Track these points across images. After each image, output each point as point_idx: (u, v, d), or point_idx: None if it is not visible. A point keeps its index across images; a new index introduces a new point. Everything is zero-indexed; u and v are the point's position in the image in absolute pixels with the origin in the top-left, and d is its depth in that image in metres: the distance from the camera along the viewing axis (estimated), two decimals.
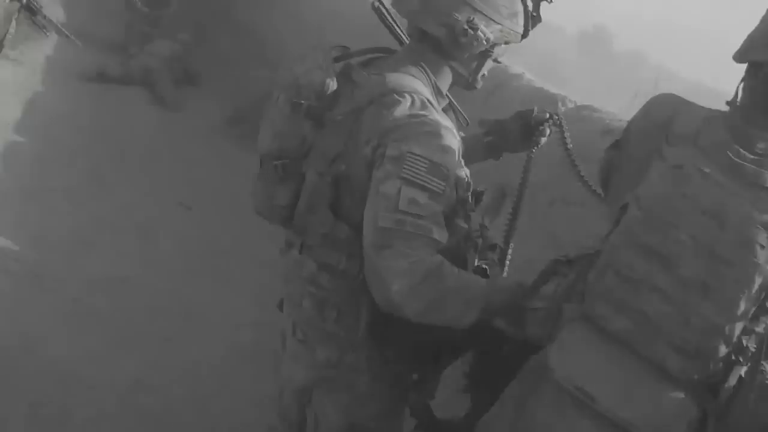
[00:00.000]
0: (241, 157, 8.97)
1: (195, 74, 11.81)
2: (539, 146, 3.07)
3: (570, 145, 3.23)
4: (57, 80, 9.49)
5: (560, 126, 3.14)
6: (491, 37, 2.51)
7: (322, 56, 2.62)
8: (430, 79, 2.59)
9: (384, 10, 2.83)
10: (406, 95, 2.42)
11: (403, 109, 2.39)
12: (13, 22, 6.76)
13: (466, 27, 2.44)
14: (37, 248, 6.02)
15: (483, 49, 2.54)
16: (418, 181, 2.27)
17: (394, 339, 2.61)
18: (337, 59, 2.66)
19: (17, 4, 6.73)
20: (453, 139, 2.41)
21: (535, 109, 3.06)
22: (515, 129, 3.08)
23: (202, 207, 7.70)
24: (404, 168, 2.28)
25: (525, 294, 2.45)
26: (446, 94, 2.69)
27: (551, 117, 3.03)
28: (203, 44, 12.12)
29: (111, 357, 5.07)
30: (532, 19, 2.67)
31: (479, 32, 2.46)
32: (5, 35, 6.75)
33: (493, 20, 2.50)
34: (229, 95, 10.75)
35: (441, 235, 2.28)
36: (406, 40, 2.81)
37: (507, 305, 2.43)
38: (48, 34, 7.20)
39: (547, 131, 3.05)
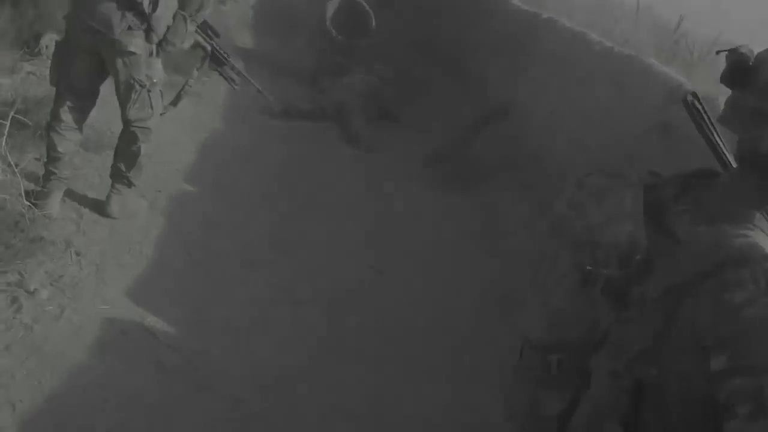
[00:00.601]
0: (441, 205, 8.12)
1: (392, 110, 10.90)
2: None
3: None
4: (238, 116, 8.77)
5: None
6: None
7: (630, 194, 1.86)
8: None
9: (700, 107, 1.99)
10: (756, 267, 1.59)
11: (754, 296, 1.56)
12: (195, 73, 6.04)
13: None
14: (197, 331, 5.06)
15: None
16: None
17: None
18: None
19: (201, 53, 5.99)
20: None
21: None
22: None
23: (397, 271, 6.68)
24: None
25: None
26: None
27: None
28: (401, 77, 11.22)
29: None
30: None
31: None
32: (184, 86, 6.03)
33: None
34: (429, 134, 9.85)
35: None
36: (731, 161, 1.96)
37: None
38: (237, 87, 6.45)
39: None
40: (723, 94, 2.08)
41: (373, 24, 11.97)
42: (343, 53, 11.69)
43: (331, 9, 11.87)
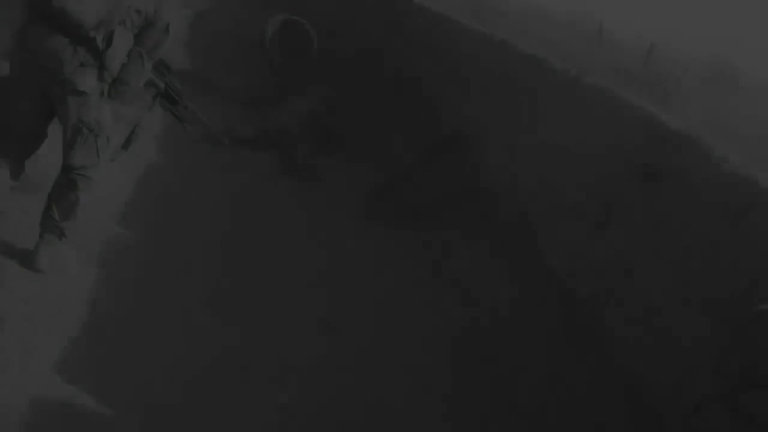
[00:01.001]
0: (391, 245, 7.91)
1: (338, 136, 10.41)
2: None
3: None
4: (177, 147, 8.20)
5: None
6: None
7: None
8: None
9: None
10: None
11: None
12: (146, 114, 5.52)
13: None
14: (135, 414, 4.53)
15: None
16: None
17: None
18: None
19: (153, 92, 5.44)
20: None
21: None
22: None
23: (353, 326, 6.23)
24: None
25: None
26: None
27: None
28: (347, 99, 10.72)
29: None
30: None
31: None
32: (134, 128, 5.48)
33: None
34: (379, 161, 9.48)
35: None
36: None
37: None
38: (189, 128, 5.90)
39: None
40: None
41: (316, 44, 11.49)
42: (285, 75, 11.21)
43: (271, 29, 11.37)
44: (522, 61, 8.52)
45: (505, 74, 8.66)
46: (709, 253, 4.94)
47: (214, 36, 11.63)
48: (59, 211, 5.20)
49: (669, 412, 4.83)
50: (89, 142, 4.95)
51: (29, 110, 4.90)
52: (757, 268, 4.53)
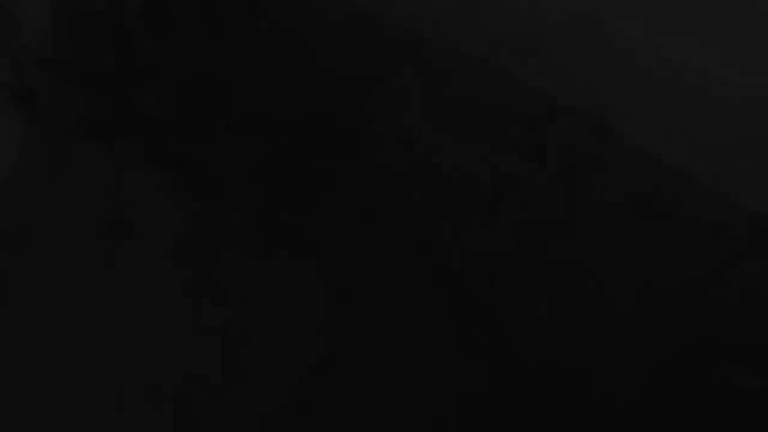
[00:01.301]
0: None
1: (217, 115, 10.01)
2: None
3: None
4: (35, 148, 7.73)
5: None
6: None
7: None
8: None
9: None
10: None
11: None
12: None
13: None
14: None
15: None
16: None
17: None
18: None
19: (6, 94, 5.05)
20: None
21: None
22: None
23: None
24: None
25: None
26: None
27: None
28: (224, 78, 10.36)
29: None
30: None
31: None
32: None
33: None
34: (261, 141, 9.16)
35: None
36: None
37: None
38: (46, 125, 5.56)
39: None
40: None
41: (181, 16, 11.05)
42: (150, 53, 10.75)
43: (132, 3, 10.90)
44: (396, 33, 8.29)
45: (374, 48, 8.42)
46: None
47: (74, 16, 11.11)
48: None
49: (582, 408, 4.70)
50: None
51: None
52: (666, 250, 4.41)
